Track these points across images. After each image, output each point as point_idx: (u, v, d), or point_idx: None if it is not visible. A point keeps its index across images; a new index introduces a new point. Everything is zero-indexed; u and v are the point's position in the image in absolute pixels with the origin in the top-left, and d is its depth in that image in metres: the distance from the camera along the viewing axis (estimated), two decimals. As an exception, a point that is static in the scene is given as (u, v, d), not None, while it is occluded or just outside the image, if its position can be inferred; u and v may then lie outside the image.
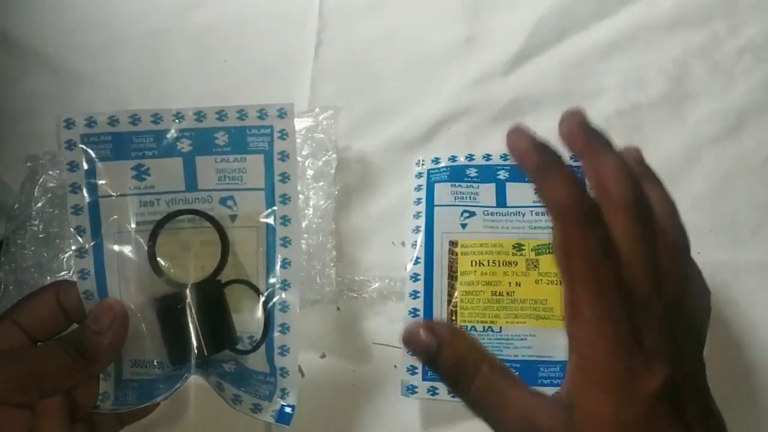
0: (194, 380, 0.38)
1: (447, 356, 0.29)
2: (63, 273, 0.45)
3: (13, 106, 0.56)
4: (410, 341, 0.29)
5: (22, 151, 0.50)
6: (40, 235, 0.46)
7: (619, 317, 0.26)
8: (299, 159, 0.47)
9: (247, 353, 0.38)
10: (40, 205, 0.47)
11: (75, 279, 0.37)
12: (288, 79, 0.56)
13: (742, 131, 0.50)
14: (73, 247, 0.37)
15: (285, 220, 0.38)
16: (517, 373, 0.30)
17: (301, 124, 0.49)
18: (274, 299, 0.38)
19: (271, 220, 0.38)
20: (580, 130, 0.30)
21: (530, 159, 0.28)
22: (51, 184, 0.48)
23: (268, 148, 0.38)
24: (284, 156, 0.38)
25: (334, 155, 0.48)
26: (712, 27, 0.54)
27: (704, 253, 0.45)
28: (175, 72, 0.57)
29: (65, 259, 0.46)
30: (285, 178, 0.38)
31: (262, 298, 0.38)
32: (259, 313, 0.38)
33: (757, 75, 0.52)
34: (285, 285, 0.38)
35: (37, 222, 0.47)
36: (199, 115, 0.38)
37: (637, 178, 0.28)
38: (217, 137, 0.38)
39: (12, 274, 0.45)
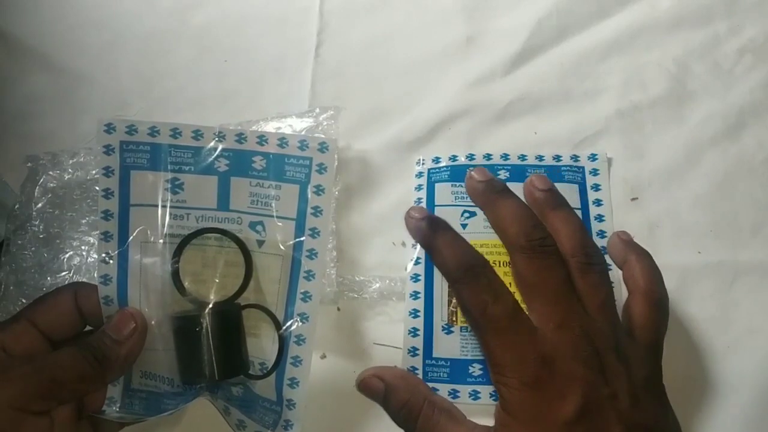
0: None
1: (394, 401, 0.32)
2: (63, 273, 0.45)
3: (13, 106, 0.56)
4: (362, 387, 0.34)
5: (23, 152, 0.50)
6: (41, 236, 0.47)
7: (526, 352, 0.28)
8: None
9: (256, 379, 0.38)
10: (40, 205, 0.47)
11: (95, 282, 0.37)
12: (288, 79, 0.56)
13: (742, 131, 0.50)
14: (102, 252, 0.37)
15: (311, 254, 0.38)
16: (459, 410, 0.33)
17: (301, 124, 0.49)
18: (291, 330, 0.37)
19: (297, 252, 0.38)
20: (479, 186, 0.35)
21: (420, 234, 0.34)
22: (51, 185, 0.48)
23: (304, 180, 0.38)
24: (320, 190, 0.38)
25: (334, 155, 0.48)
26: (712, 27, 0.54)
27: (705, 253, 0.46)
28: (175, 72, 0.57)
29: (66, 260, 0.46)
30: (317, 212, 0.38)
31: (280, 329, 0.37)
32: (274, 341, 0.37)
33: (758, 75, 0.52)
34: (303, 318, 0.37)
35: (37, 222, 0.47)
36: (240, 137, 0.38)
37: (532, 216, 0.32)
38: (255, 161, 0.38)
39: (12, 274, 0.45)
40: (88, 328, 0.38)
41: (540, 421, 0.27)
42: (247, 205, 0.38)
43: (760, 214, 0.47)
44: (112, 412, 0.36)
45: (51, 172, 0.48)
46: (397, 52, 0.56)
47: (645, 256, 0.35)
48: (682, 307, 0.44)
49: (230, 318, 0.37)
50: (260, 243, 0.38)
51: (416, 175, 0.49)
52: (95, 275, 0.37)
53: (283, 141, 0.38)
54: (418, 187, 0.48)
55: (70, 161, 0.49)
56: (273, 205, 0.38)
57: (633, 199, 0.48)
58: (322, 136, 0.39)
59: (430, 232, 0.33)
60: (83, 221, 0.47)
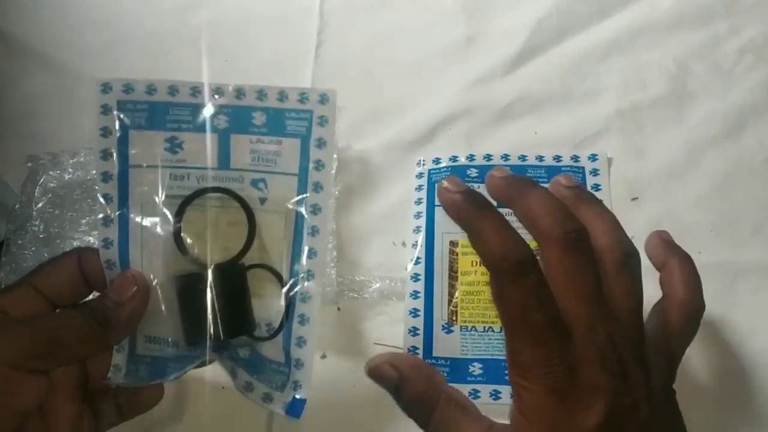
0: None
1: (408, 392, 0.30)
2: (63, 273, 0.45)
3: (13, 106, 0.56)
4: (374, 374, 0.31)
5: (23, 152, 0.50)
6: (41, 236, 0.47)
7: (555, 362, 0.26)
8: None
9: (263, 340, 0.37)
10: (40, 205, 0.47)
11: (97, 247, 0.36)
12: (288, 79, 0.56)
13: (742, 131, 0.50)
14: (100, 215, 0.36)
15: (315, 209, 0.37)
16: (475, 405, 0.31)
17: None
18: (297, 288, 0.36)
19: (301, 208, 0.37)
20: (501, 182, 0.30)
21: (459, 211, 0.29)
22: (51, 185, 0.48)
23: (305, 134, 0.37)
24: (321, 143, 0.37)
25: (334, 155, 0.48)
26: (712, 27, 0.54)
27: (705, 252, 0.46)
28: (175, 72, 0.56)
29: (66, 260, 0.46)
30: (320, 165, 0.37)
31: (285, 287, 0.37)
32: (280, 300, 0.36)
33: (758, 75, 0.52)
34: (309, 275, 0.36)
35: (37, 222, 0.47)
36: (239, 93, 0.37)
37: (564, 207, 0.29)
38: (255, 117, 0.37)
39: (13, 274, 0.45)
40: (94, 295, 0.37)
41: (559, 430, 0.27)
42: (248, 162, 0.37)
43: (760, 213, 0.47)
44: (117, 378, 0.36)
45: (51, 172, 0.48)
46: (397, 52, 0.56)
47: (687, 262, 0.33)
48: (682, 307, 0.44)
49: (234, 276, 0.36)
50: (263, 201, 0.37)
51: (417, 176, 0.49)
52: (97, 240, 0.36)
53: (282, 95, 0.37)
54: (419, 188, 0.49)
55: (71, 161, 0.49)
56: (275, 161, 0.37)
57: (633, 199, 0.48)
58: (324, 88, 0.37)
59: (473, 210, 0.28)
60: (83, 221, 0.47)
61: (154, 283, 0.36)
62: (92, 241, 0.46)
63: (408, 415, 0.31)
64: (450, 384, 0.41)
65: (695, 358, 0.42)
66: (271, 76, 0.56)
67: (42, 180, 0.48)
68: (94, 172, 0.47)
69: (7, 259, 0.46)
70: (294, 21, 0.58)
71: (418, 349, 0.43)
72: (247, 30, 0.59)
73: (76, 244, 0.46)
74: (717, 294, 0.44)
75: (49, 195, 0.48)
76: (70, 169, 0.49)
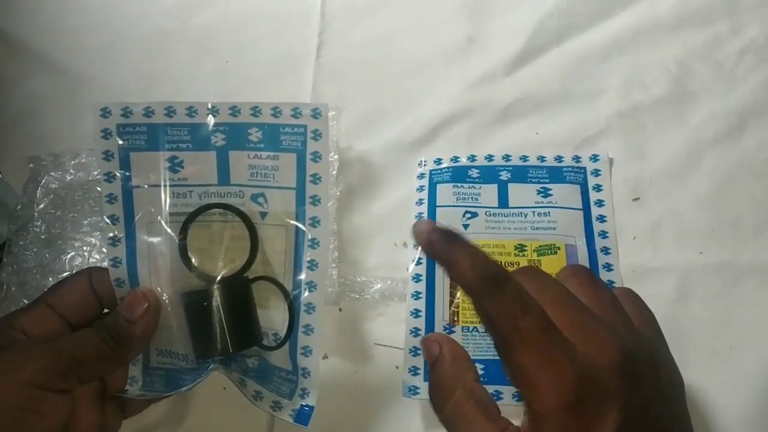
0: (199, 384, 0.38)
1: (435, 373, 0.30)
2: (65, 274, 0.45)
3: (14, 107, 0.56)
4: (423, 345, 0.32)
5: (24, 153, 0.50)
6: (42, 236, 0.47)
7: (565, 371, 0.25)
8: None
9: (270, 350, 0.38)
10: (42, 206, 0.47)
11: (107, 266, 0.37)
12: (290, 79, 0.56)
13: (743, 131, 0.50)
14: (109, 235, 0.37)
15: (314, 221, 0.38)
16: (497, 407, 0.29)
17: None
18: (300, 299, 0.38)
19: (300, 221, 0.38)
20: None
21: (431, 245, 0.29)
22: (53, 186, 0.48)
23: (301, 148, 0.38)
24: (317, 157, 0.38)
25: (335, 156, 0.48)
26: (713, 27, 0.54)
27: (706, 253, 0.46)
28: (176, 73, 0.57)
29: (67, 260, 0.46)
30: (316, 179, 0.38)
31: (288, 298, 0.38)
32: (285, 311, 0.38)
33: (759, 75, 0.52)
34: (311, 286, 0.38)
35: (39, 223, 0.47)
36: (234, 110, 0.38)
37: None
38: (251, 133, 0.38)
39: (14, 275, 0.45)
40: (106, 311, 0.38)
41: None
42: (247, 177, 0.38)
43: (761, 214, 0.47)
44: (134, 390, 0.37)
45: (53, 173, 0.48)
46: (398, 52, 0.56)
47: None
48: (683, 307, 0.44)
49: (239, 290, 0.37)
50: (263, 215, 0.38)
51: (418, 176, 0.49)
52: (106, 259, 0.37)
53: (276, 111, 0.38)
54: (420, 188, 0.49)
55: (72, 162, 0.49)
56: (272, 175, 0.38)
57: (634, 200, 0.48)
58: (317, 103, 0.39)
59: (445, 244, 0.29)
60: (85, 222, 0.47)
61: (163, 298, 0.37)
62: (94, 242, 0.47)
63: (429, 395, 0.31)
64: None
65: (696, 359, 0.42)
66: (272, 76, 0.56)
67: (43, 181, 0.48)
68: (96, 173, 0.48)
69: (9, 260, 0.46)
70: (295, 21, 0.58)
71: (419, 350, 0.43)
72: (248, 30, 0.59)
73: (77, 245, 0.46)
74: (718, 294, 0.44)
75: (51, 196, 0.48)
76: (71, 170, 0.49)
